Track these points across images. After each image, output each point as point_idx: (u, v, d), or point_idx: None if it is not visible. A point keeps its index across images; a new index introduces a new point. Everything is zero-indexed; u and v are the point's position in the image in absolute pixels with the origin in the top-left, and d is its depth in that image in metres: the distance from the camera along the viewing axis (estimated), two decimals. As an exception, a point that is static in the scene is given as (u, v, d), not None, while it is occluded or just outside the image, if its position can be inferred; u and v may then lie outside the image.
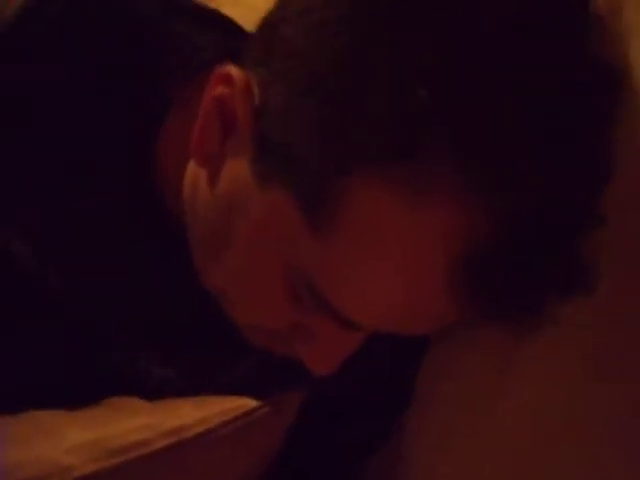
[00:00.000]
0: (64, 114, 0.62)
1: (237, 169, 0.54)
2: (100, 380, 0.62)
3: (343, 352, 0.55)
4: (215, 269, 0.57)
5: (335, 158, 0.47)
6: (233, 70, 0.54)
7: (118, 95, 0.62)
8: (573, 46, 0.48)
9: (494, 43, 0.45)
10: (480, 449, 0.60)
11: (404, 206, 0.46)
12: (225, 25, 0.68)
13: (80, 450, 0.56)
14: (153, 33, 0.63)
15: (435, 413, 0.64)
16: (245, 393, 0.60)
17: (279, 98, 0.50)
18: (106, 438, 0.57)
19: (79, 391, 0.61)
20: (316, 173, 0.47)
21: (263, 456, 0.62)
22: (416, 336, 0.55)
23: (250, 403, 0.59)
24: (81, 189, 0.62)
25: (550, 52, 0.47)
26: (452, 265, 0.46)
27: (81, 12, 0.63)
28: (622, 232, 0.54)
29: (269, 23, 0.55)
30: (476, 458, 0.61)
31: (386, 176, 0.45)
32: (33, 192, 0.62)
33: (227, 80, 0.54)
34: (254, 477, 0.62)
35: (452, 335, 0.58)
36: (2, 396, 0.59)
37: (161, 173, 0.62)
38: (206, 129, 0.55)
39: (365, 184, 0.46)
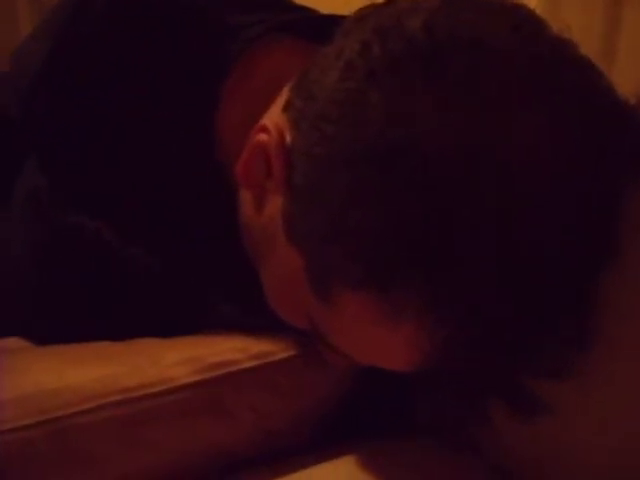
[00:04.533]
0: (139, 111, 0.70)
1: (274, 209, 0.59)
2: (189, 321, 0.69)
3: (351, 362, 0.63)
4: (258, 264, 0.65)
5: (330, 271, 0.55)
6: (271, 126, 0.59)
7: (176, 84, 0.70)
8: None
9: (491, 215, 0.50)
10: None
11: (380, 314, 0.54)
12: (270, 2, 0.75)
13: (182, 364, 0.63)
14: (200, 19, 0.70)
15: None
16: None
17: (297, 194, 0.56)
18: (204, 355, 0.64)
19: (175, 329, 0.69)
20: (317, 269, 0.56)
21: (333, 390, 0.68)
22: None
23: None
24: (156, 179, 0.70)
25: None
26: (412, 357, 0.55)
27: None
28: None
29: (307, 89, 0.58)
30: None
31: (366, 297, 0.53)
32: (117, 187, 0.71)
33: (267, 131, 0.60)
34: (331, 400, 0.68)
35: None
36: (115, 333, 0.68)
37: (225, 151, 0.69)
38: (251, 164, 0.61)
39: (349, 295, 0.54)
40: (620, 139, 0.54)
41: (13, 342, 0.73)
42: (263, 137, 0.59)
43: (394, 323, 0.53)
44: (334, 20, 0.64)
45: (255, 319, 0.67)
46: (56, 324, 0.73)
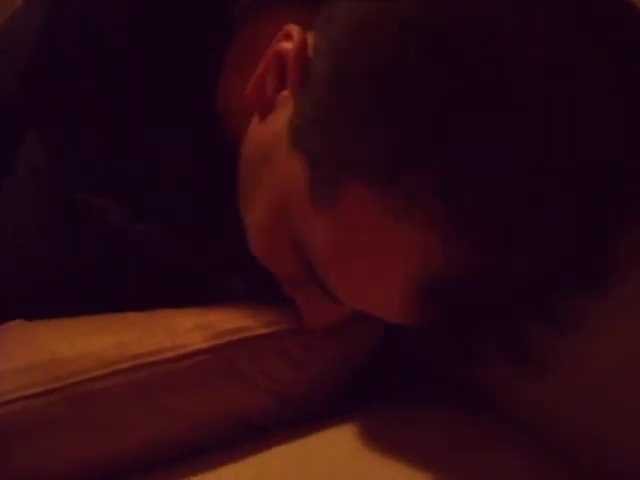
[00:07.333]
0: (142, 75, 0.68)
1: (280, 123, 0.57)
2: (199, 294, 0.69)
3: (333, 316, 0.61)
4: (244, 208, 0.63)
5: (339, 165, 0.51)
6: (295, 31, 0.57)
7: (185, 39, 0.67)
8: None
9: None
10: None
11: (385, 217, 0.49)
12: None
13: (196, 330, 0.63)
14: None
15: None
16: None
17: (311, 89, 0.54)
18: (217, 322, 0.64)
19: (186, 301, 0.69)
20: (324, 167, 0.53)
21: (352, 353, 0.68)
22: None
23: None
24: (160, 151, 0.69)
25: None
26: (409, 279, 0.50)
27: None
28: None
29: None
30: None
31: (375, 191, 0.50)
32: (121, 162, 0.70)
33: (290, 38, 0.57)
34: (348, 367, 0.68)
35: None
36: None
37: (227, 110, 0.68)
38: (264, 77, 0.59)
39: (358, 190, 0.50)
40: None
41: (17, 323, 0.73)
42: (286, 45, 0.57)
43: (401, 222, 0.49)
44: None
45: (264, 292, 0.67)
46: (65, 298, 0.72)
